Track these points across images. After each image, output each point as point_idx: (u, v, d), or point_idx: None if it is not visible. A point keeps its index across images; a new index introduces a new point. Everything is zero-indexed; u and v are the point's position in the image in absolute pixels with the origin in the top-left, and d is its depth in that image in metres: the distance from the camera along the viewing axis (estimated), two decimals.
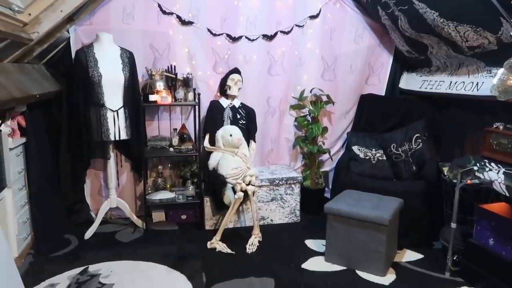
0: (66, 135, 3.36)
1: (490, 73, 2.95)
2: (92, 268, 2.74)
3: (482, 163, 2.53)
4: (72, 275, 2.64)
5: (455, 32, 2.88)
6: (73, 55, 3.21)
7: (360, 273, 2.73)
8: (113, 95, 3.13)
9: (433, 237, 3.17)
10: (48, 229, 3.08)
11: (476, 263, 2.57)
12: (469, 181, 2.57)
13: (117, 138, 3.19)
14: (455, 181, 2.62)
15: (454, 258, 2.71)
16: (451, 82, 3.33)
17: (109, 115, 3.14)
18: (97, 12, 3.26)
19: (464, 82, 3.17)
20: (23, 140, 2.88)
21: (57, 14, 2.70)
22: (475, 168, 2.51)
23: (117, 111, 3.16)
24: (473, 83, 3.07)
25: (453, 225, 2.65)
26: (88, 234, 3.26)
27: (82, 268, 2.73)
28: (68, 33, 3.22)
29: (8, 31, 2.19)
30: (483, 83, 2.97)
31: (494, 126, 2.78)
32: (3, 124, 2.58)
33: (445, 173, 2.85)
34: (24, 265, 2.73)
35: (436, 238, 3.13)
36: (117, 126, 3.17)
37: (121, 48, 3.24)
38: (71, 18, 3.07)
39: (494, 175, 2.39)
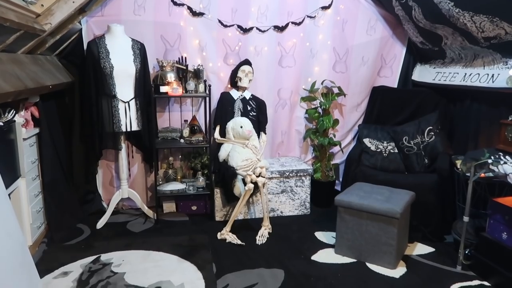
0: (78, 125, 3.40)
1: (507, 64, 2.89)
2: (104, 257, 2.78)
3: (497, 156, 2.49)
4: (84, 264, 2.68)
5: (471, 23, 2.82)
6: (85, 47, 3.23)
7: (371, 266, 2.73)
8: (124, 86, 3.15)
9: (445, 230, 3.14)
10: (61, 218, 3.13)
11: (488, 257, 2.54)
12: (482, 175, 2.54)
13: (128, 129, 3.21)
14: (468, 174, 2.59)
15: (466, 252, 2.68)
16: (465, 74, 3.27)
17: (121, 106, 3.16)
18: (109, 3, 3.27)
19: (479, 74, 3.11)
20: (37, 130, 2.92)
21: (69, 5, 2.71)
22: (490, 161, 2.47)
23: (128, 102, 3.17)
24: (488, 74, 3.02)
25: (466, 219, 2.62)
26: (100, 224, 3.31)
27: (94, 257, 2.77)
28: (80, 24, 3.23)
29: (21, 22, 2.21)
30: (499, 74, 2.91)
31: (510, 118, 2.74)
32: (17, 115, 2.61)
33: (458, 166, 2.81)
34: (38, 253, 2.78)
35: (448, 232, 3.10)
36: (128, 117, 3.19)
37: (133, 39, 3.24)
38: (83, 10, 3.09)
39: (509, 168, 2.35)
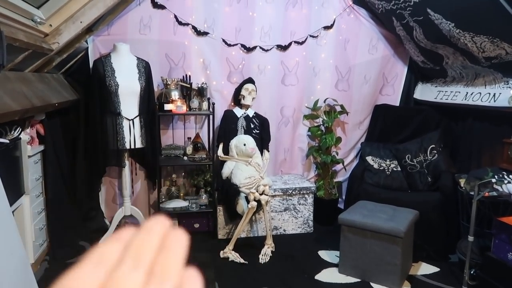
0: (82, 143, 3.41)
1: (508, 84, 2.92)
2: None
3: (500, 175, 2.49)
4: None
5: (472, 43, 2.86)
6: (91, 65, 3.28)
7: (375, 286, 2.70)
8: (129, 104, 3.18)
9: (449, 250, 3.12)
10: (63, 236, 3.11)
11: (494, 277, 2.51)
12: (486, 194, 2.53)
13: (132, 147, 3.23)
14: (472, 193, 2.58)
15: (472, 272, 2.65)
16: (467, 92, 3.30)
17: (125, 124, 3.18)
18: (115, 23, 3.34)
19: (480, 93, 3.14)
20: (41, 147, 2.93)
21: (77, 25, 2.76)
22: (493, 180, 2.46)
23: (132, 120, 3.20)
24: (490, 94, 3.04)
25: (470, 238, 2.60)
26: (103, 242, 3.28)
27: None
28: (87, 43, 3.29)
29: (30, 41, 2.25)
30: (500, 94, 2.94)
31: None
32: (22, 132, 2.64)
33: (462, 185, 2.80)
34: (40, 271, 2.76)
35: (453, 251, 3.07)
36: (132, 135, 3.21)
37: (138, 58, 3.29)
38: (89, 29, 3.14)
39: None
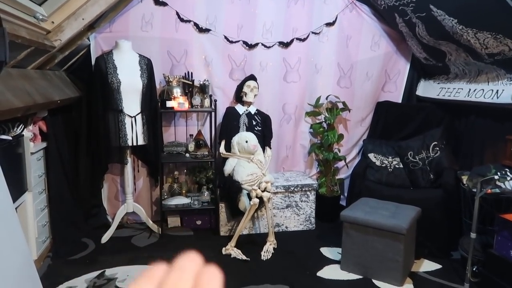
0: (84, 140, 3.42)
1: (511, 80, 2.90)
2: (109, 272, 2.77)
3: (503, 172, 2.49)
4: (89, 279, 2.67)
5: (475, 39, 2.85)
6: (93, 62, 3.28)
7: (377, 282, 2.70)
8: (131, 101, 3.19)
9: (452, 247, 3.11)
10: (66, 233, 3.13)
11: (496, 274, 2.51)
12: (489, 191, 2.52)
13: (134, 144, 3.23)
14: (474, 190, 2.57)
15: (474, 269, 2.65)
16: (470, 89, 3.28)
17: (127, 121, 3.18)
18: (117, 20, 3.33)
19: (483, 90, 3.12)
20: (44, 144, 2.94)
21: (79, 22, 2.76)
22: (496, 177, 2.46)
23: (135, 117, 3.20)
24: (492, 90, 3.03)
25: (473, 235, 2.59)
26: (105, 238, 3.30)
27: (99, 272, 2.76)
28: (89, 40, 3.29)
29: (32, 38, 2.25)
30: (503, 90, 2.92)
31: None
32: (25, 129, 2.64)
33: (465, 182, 2.80)
34: (42, 268, 2.77)
35: (455, 248, 3.07)
36: (134, 132, 3.21)
37: (140, 55, 3.29)
38: (91, 26, 3.14)
39: None
